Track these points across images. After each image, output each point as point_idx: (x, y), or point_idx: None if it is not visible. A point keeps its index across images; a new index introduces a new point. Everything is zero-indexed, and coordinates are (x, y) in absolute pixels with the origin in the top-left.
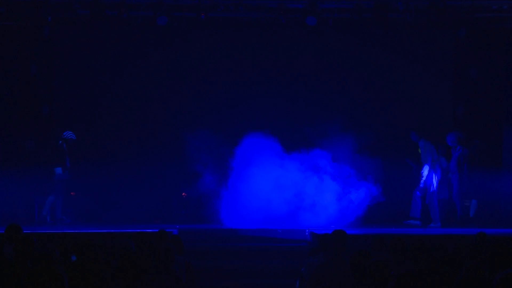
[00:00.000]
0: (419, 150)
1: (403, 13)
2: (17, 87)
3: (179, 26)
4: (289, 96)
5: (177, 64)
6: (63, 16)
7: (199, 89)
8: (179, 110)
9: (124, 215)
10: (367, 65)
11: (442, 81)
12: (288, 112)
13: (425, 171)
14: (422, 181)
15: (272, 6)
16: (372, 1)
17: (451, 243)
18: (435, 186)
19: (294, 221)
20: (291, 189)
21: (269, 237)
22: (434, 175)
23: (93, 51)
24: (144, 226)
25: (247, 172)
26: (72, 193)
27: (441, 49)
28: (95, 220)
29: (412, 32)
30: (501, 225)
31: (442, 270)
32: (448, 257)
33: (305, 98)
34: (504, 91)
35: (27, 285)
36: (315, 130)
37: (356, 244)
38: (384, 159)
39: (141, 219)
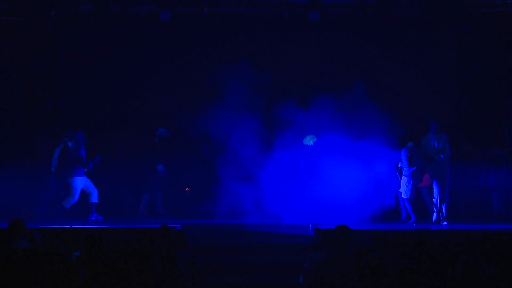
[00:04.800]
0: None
1: (406, 8)
2: (20, 82)
3: (182, 21)
4: (292, 91)
5: (180, 59)
6: (66, 11)
7: (202, 84)
8: (181, 105)
9: (127, 211)
10: (370, 60)
11: (445, 76)
12: (290, 107)
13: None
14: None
15: (275, 1)
16: None
17: (452, 239)
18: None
19: (301, 216)
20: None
21: (273, 232)
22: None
23: (96, 46)
24: (147, 221)
25: (249, 166)
26: None
27: (444, 44)
28: (98, 215)
29: (415, 27)
30: (505, 220)
31: (442, 265)
32: (449, 252)
33: (307, 94)
34: (507, 86)
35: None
36: (316, 124)
37: (359, 240)
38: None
39: (144, 214)
